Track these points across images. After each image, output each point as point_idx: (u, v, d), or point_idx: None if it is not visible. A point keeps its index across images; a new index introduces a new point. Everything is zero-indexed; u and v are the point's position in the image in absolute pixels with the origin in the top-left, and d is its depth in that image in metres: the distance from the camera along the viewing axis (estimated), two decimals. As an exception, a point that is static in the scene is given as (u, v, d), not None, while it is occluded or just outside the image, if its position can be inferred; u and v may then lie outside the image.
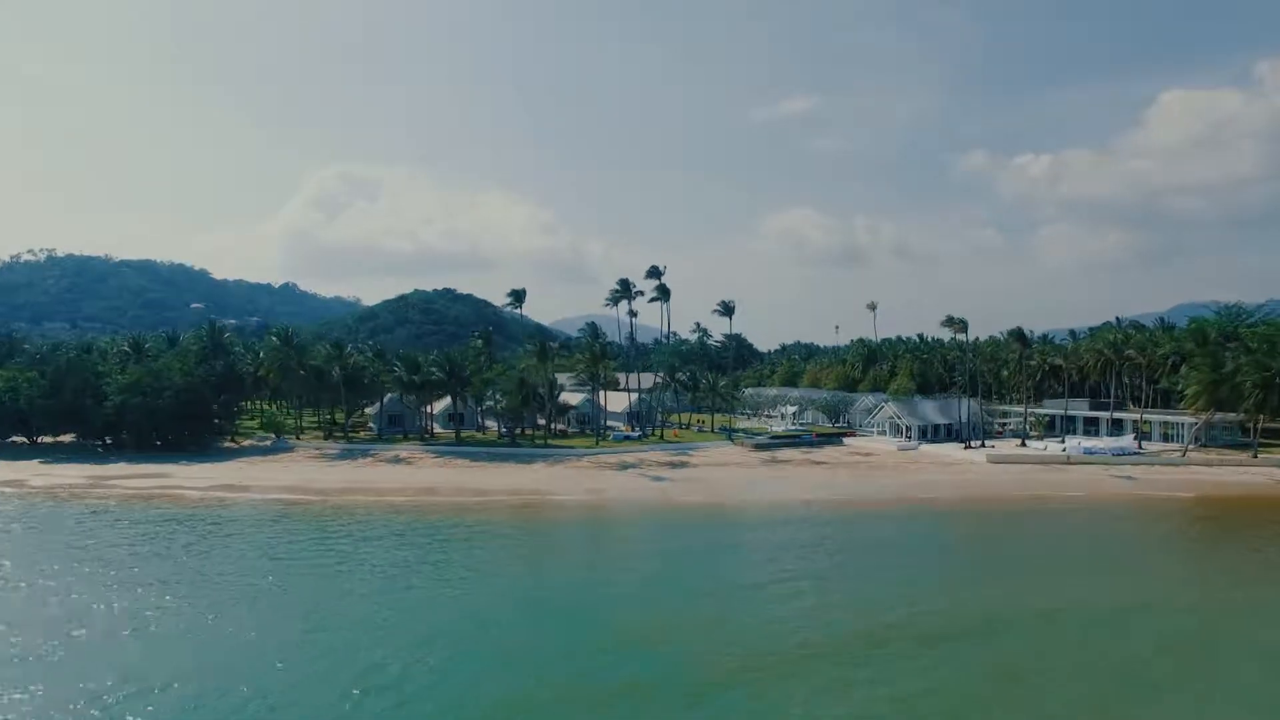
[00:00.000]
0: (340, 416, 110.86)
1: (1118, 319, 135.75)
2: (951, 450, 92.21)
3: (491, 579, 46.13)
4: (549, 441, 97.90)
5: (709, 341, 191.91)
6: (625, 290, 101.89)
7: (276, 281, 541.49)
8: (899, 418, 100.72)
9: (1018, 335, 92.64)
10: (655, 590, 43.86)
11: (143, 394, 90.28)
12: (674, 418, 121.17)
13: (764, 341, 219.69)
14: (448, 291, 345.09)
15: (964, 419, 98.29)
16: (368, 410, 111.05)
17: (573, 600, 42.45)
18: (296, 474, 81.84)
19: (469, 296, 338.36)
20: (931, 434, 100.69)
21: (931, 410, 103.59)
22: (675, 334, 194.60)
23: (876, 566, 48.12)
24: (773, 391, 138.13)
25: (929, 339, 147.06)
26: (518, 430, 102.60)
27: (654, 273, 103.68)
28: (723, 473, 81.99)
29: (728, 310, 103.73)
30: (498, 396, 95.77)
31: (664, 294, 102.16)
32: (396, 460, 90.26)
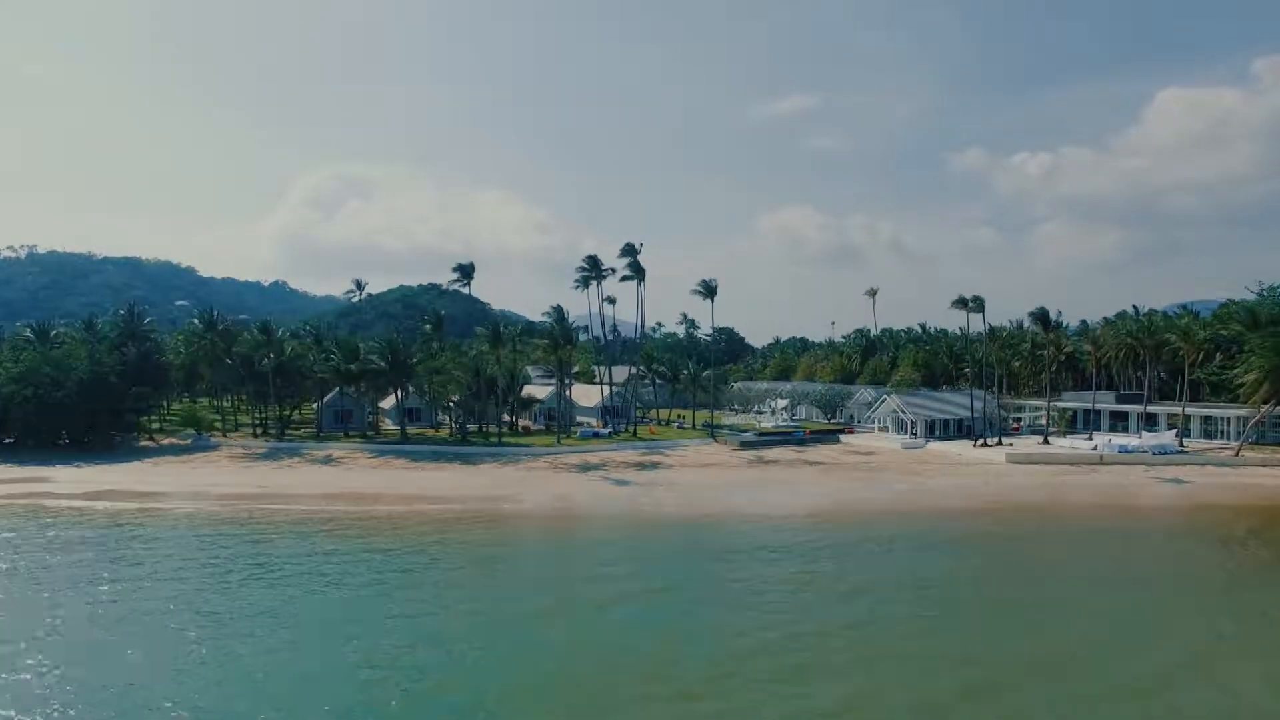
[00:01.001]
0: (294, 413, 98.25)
1: (1134, 308, 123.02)
2: (963, 449, 79.35)
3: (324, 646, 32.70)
4: (504, 440, 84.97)
5: (698, 334, 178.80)
6: (594, 268, 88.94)
7: (267, 280, 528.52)
8: (903, 412, 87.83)
9: (1040, 316, 79.79)
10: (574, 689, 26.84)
11: (35, 386, 77.24)
12: (657, 414, 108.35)
13: (759, 339, 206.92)
14: (433, 287, 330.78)
15: (977, 413, 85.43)
16: (321, 406, 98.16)
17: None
18: (198, 478, 68.94)
19: (455, 292, 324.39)
20: (940, 430, 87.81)
21: (939, 403, 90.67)
22: (660, 325, 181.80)
23: (896, 620, 33.33)
24: (763, 385, 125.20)
25: (932, 329, 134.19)
26: (473, 427, 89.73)
27: (629, 250, 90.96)
28: (699, 475, 69.07)
29: (709, 291, 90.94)
30: (447, 388, 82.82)
31: (637, 271, 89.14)
32: (326, 461, 77.34)
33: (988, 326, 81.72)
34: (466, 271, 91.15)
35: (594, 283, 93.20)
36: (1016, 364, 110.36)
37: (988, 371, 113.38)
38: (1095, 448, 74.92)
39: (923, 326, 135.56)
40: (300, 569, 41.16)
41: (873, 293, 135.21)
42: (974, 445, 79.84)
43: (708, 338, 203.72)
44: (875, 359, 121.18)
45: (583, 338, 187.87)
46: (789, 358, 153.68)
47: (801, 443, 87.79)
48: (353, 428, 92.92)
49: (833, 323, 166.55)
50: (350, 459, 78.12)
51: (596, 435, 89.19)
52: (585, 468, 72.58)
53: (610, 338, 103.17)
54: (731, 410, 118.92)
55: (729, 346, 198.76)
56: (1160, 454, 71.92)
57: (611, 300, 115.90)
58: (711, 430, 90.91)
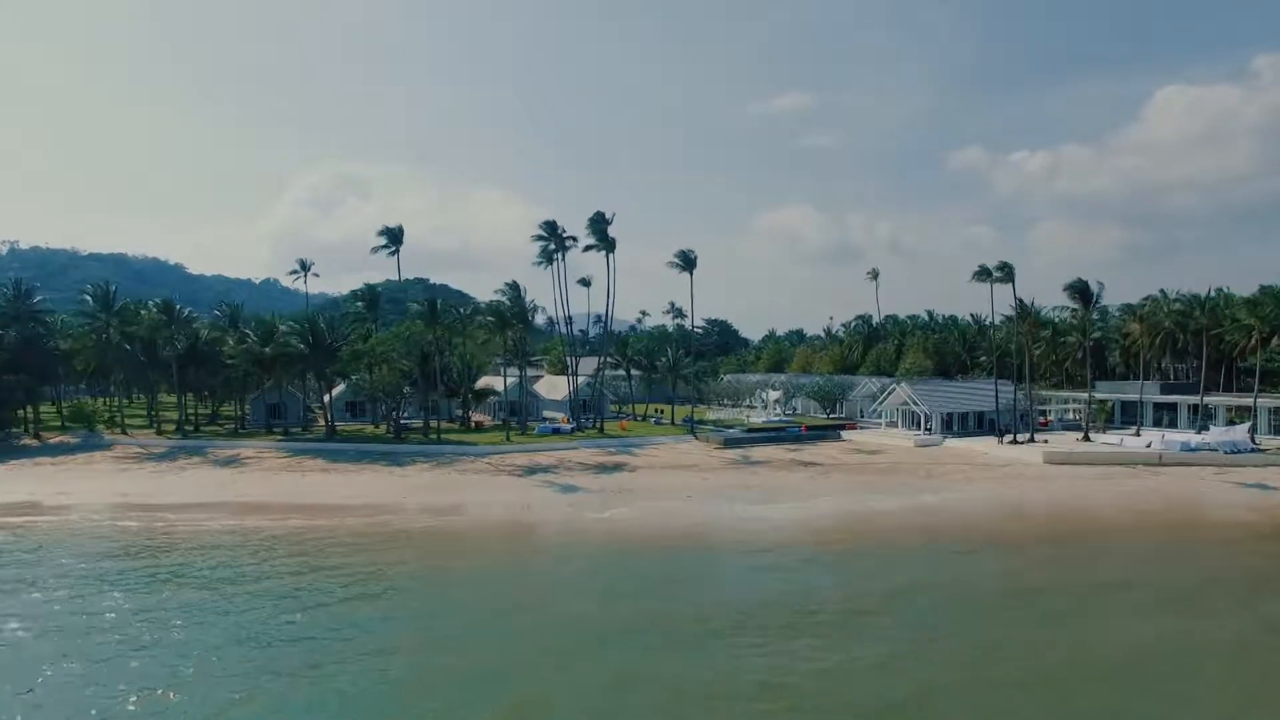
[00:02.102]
0: (227, 408, 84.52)
1: (1162, 291, 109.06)
2: (988, 446, 65.48)
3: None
4: (446, 437, 71.13)
5: (687, 325, 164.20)
6: (552, 235, 74.87)
7: (258, 277, 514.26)
8: (915, 403, 73.87)
9: (1079, 289, 65.76)
10: None
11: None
12: (632, 408, 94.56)
13: (755, 334, 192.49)
14: (420, 281, 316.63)
15: (1003, 405, 71.62)
16: (252, 399, 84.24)
17: None
18: (54, 484, 55.17)
19: (444, 287, 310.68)
20: (958, 425, 73.96)
21: (957, 394, 76.76)
22: (645, 314, 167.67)
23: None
24: (755, 377, 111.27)
25: (939, 316, 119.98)
26: (417, 422, 75.92)
27: (598, 220, 77.09)
28: (668, 481, 55.17)
29: (688, 263, 76.95)
30: (374, 375, 68.96)
31: (603, 241, 75.05)
32: (229, 463, 63.55)
33: (1018, 302, 67.66)
34: (395, 236, 75.96)
35: (558, 257, 79.19)
36: (1037, 351, 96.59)
37: (1004, 360, 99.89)
38: (1149, 445, 61.07)
39: (930, 314, 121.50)
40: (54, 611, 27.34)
41: (874, 275, 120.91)
42: (1000, 442, 65.98)
43: (699, 330, 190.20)
44: (879, 347, 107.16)
45: (561, 329, 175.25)
46: (783, 349, 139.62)
47: (797, 440, 73.95)
48: (287, 423, 79.25)
49: (830, 318, 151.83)
50: (258, 460, 64.31)
51: (557, 431, 75.35)
52: (532, 470, 58.75)
53: (572, 324, 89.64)
54: (721, 405, 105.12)
55: (722, 339, 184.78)
56: (1232, 453, 58.07)
57: (586, 282, 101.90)
58: (692, 426, 77.07)
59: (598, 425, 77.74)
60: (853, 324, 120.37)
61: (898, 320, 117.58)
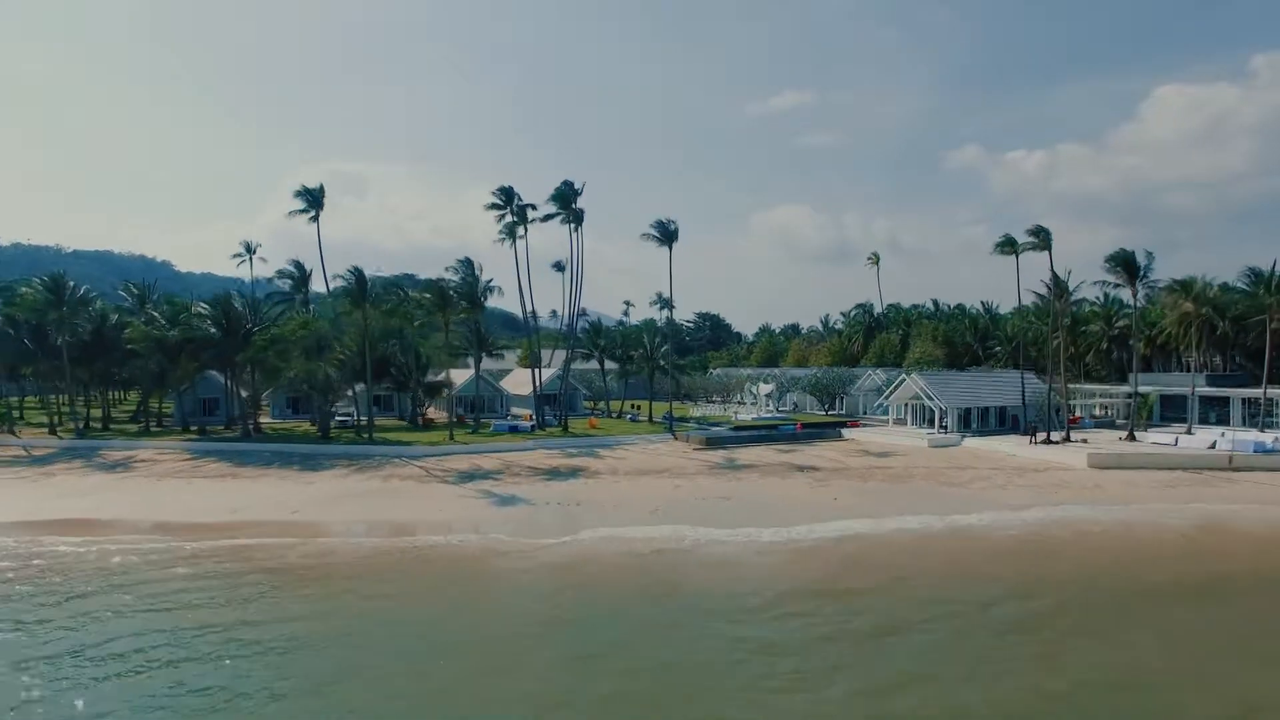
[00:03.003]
0: (164, 402, 73.30)
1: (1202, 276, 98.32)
2: (1015, 447, 54.71)
3: None
4: (384, 436, 60.24)
5: (676, 319, 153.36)
6: (509, 203, 63.83)
7: (248, 276, 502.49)
8: (929, 397, 63.00)
9: (1124, 260, 54.64)
10: None
11: None
12: (606, 405, 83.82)
13: (749, 330, 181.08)
14: (408, 277, 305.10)
15: (1029, 400, 60.92)
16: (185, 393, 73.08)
17: None
18: None
19: (429, 282, 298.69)
20: (977, 421, 63.21)
21: (976, 387, 65.92)
22: (629, 304, 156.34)
23: None
24: (746, 371, 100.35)
25: (945, 306, 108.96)
26: (357, 418, 65.02)
27: (565, 189, 66.06)
28: (632, 490, 44.23)
29: (666, 236, 66.12)
30: (286, 363, 57.88)
31: (567, 209, 64.01)
32: (116, 467, 52.52)
33: (1053, 277, 56.41)
34: (314, 199, 64.41)
35: (520, 232, 68.15)
36: (1055, 342, 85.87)
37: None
38: (1213, 445, 50.28)
39: (935, 303, 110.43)
40: None
41: (875, 260, 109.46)
42: (1031, 442, 55.19)
43: (689, 324, 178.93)
44: (882, 336, 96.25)
45: (547, 323, 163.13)
46: (777, 343, 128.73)
47: (791, 439, 63.13)
48: (217, 421, 68.32)
49: (826, 315, 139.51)
50: (150, 464, 53.32)
51: (515, 430, 64.43)
52: (470, 476, 47.80)
53: (536, 317, 78.35)
54: (710, 402, 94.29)
55: (713, 334, 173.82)
56: (1317, 454, 47.37)
57: (560, 266, 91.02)
58: (670, 423, 66.22)
59: (562, 423, 66.79)
60: (852, 313, 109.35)
61: (901, 309, 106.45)
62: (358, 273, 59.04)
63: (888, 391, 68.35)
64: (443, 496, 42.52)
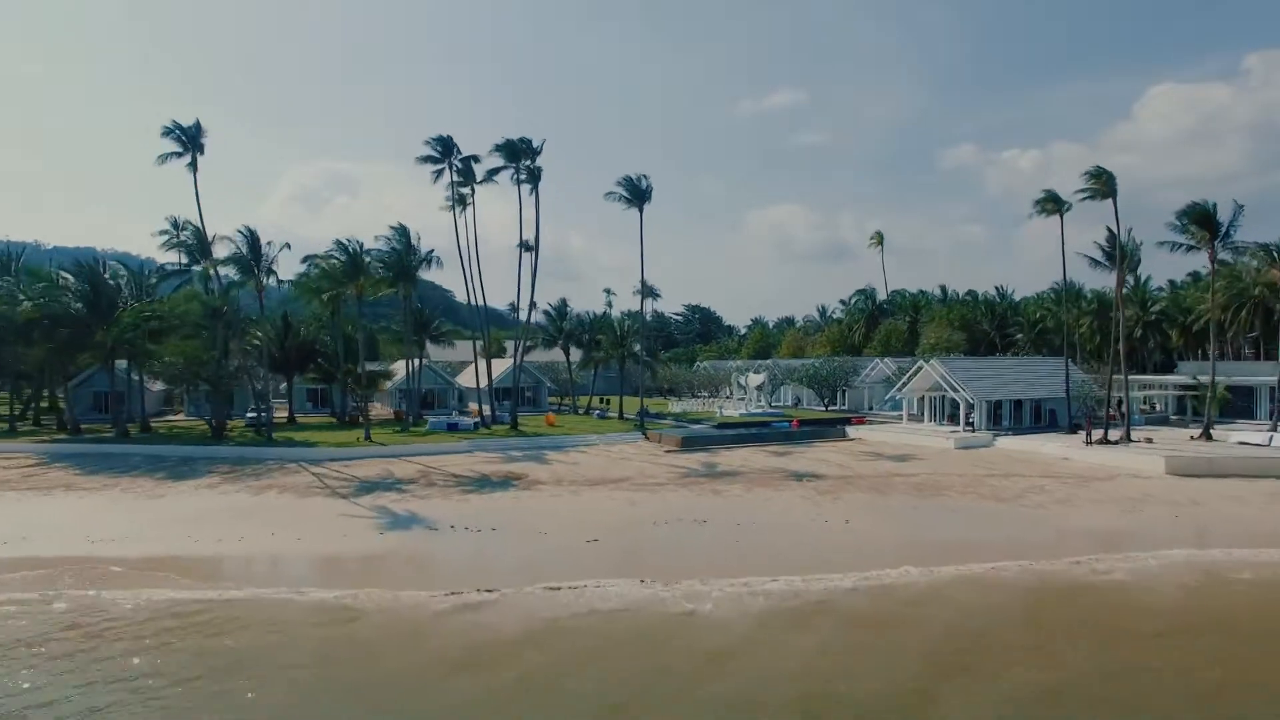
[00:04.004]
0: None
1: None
2: (1065, 448, 43.47)
3: None
4: (289, 435, 48.77)
5: (663, 311, 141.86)
6: (446, 155, 52.45)
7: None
8: (953, 388, 51.61)
9: (1199, 217, 43.08)
10: None
11: None
12: (574, 400, 72.45)
13: (742, 324, 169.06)
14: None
15: (1073, 391, 49.73)
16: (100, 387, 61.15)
17: None
18: None
19: (416, 279, 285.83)
20: (1010, 418, 51.96)
21: (1007, 377, 54.56)
22: (610, 293, 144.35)
23: None
24: (736, 363, 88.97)
25: (955, 293, 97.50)
26: (257, 413, 53.33)
27: (515, 142, 54.45)
28: (574, 506, 32.72)
29: (636, 195, 54.53)
30: (161, 350, 46.22)
31: (513, 160, 52.53)
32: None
33: (1108, 235, 44.74)
34: (190, 139, 51.33)
35: (468, 194, 56.72)
36: (1080, 331, 74.88)
37: (1043, 336, 78.00)
38: (1321, 446, 39.09)
39: (944, 289, 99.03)
40: None
41: (879, 240, 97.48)
42: (1088, 442, 43.86)
43: (678, 317, 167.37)
44: (888, 323, 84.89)
45: (535, 318, 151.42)
46: (770, 335, 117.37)
47: (786, 439, 51.84)
48: (118, 418, 56.38)
49: (823, 304, 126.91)
50: (-19, 470, 41.72)
51: (454, 428, 53.01)
52: (372, 487, 36.29)
53: (487, 308, 66.70)
54: (697, 397, 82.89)
55: (703, 327, 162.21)
56: None
57: (529, 247, 79.45)
58: (642, 420, 54.88)
59: (512, 420, 55.40)
60: (853, 300, 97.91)
61: (908, 294, 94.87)
62: (250, 234, 47.31)
63: (901, 382, 56.94)
64: (318, 516, 31.02)
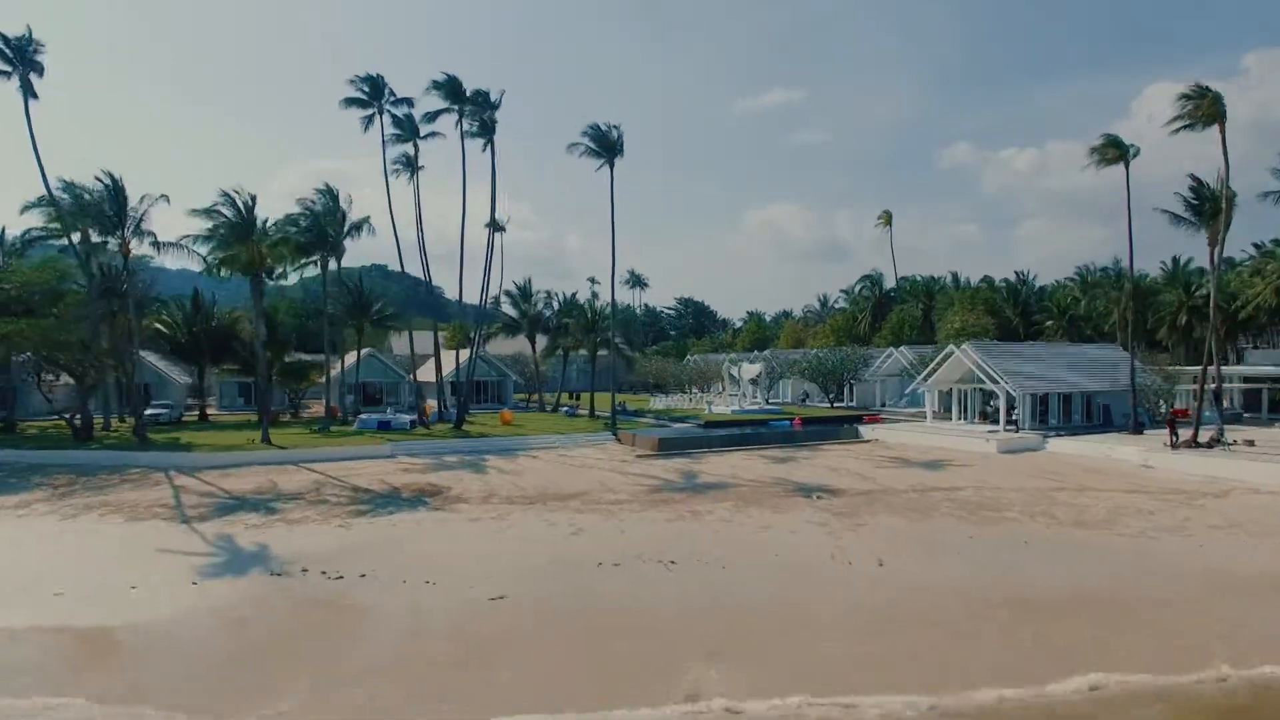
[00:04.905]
0: None
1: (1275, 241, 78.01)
2: (1137, 451, 34.12)
3: None
4: (173, 436, 39.29)
5: (654, 303, 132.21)
6: (374, 97, 43.06)
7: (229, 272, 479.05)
8: (991, 378, 42.09)
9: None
10: None
11: None
12: (541, 396, 63.05)
13: (737, 318, 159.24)
14: (378, 268, 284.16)
15: (1131, 383, 40.31)
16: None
17: None
18: None
19: (402, 274, 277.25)
20: (1058, 415, 42.52)
21: (1052, 366, 44.99)
22: (595, 281, 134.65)
23: None
24: (729, 356, 79.42)
25: (968, 280, 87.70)
26: (126, 412, 43.76)
27: (458, 82, 44.79)
28: (491, 537, 23.25)
29: (605, 149, 44.83)
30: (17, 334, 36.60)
31: (457, 101, 42.95)
32: None
33: (1225, 170, 34.66)
34: (16, 51, 41.28)
35: (409, 148, 47.29)
36: (1111, 319, 65.74)
37: (1074, 324, 68.78)
38: None
39: (955, 276, 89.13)
40: None
41: (887, 220, 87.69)
42: (1172, 446, 34.41)
43: (669, 310, 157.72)
44: (899, 311, 75.31)
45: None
46: (767, 328, 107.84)
47: (786, 440, 42.40)
48: (14, 417, 46.91)
49: (824, 293, 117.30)
50: None
51: (385, 426, 43.58)
52: (236, 506, 26.78)
53: (430, 274, 56.81)
54: (685, 393, 73.39)
55: (696, 321, 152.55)
56: None
57: (500, 227, 70.12)
58: (613, 418, 45.44)
59: (456, 418, 45.98)
60: (858, 287, 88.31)
61: (919, 280, 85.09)
62: (113, 183, 37.54)
63: (925, 372, 47.28)
64: (131, 550, 21.55)
